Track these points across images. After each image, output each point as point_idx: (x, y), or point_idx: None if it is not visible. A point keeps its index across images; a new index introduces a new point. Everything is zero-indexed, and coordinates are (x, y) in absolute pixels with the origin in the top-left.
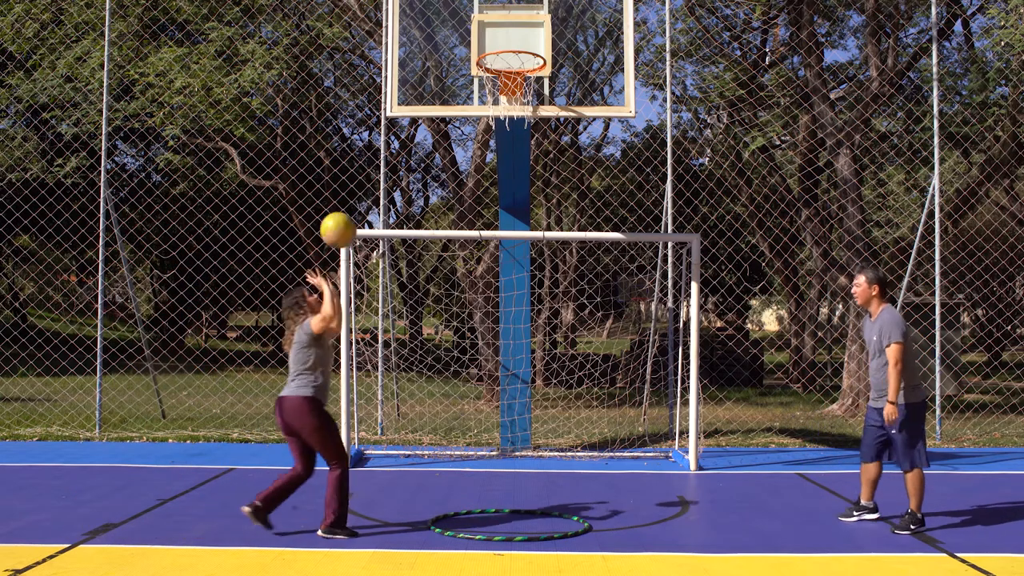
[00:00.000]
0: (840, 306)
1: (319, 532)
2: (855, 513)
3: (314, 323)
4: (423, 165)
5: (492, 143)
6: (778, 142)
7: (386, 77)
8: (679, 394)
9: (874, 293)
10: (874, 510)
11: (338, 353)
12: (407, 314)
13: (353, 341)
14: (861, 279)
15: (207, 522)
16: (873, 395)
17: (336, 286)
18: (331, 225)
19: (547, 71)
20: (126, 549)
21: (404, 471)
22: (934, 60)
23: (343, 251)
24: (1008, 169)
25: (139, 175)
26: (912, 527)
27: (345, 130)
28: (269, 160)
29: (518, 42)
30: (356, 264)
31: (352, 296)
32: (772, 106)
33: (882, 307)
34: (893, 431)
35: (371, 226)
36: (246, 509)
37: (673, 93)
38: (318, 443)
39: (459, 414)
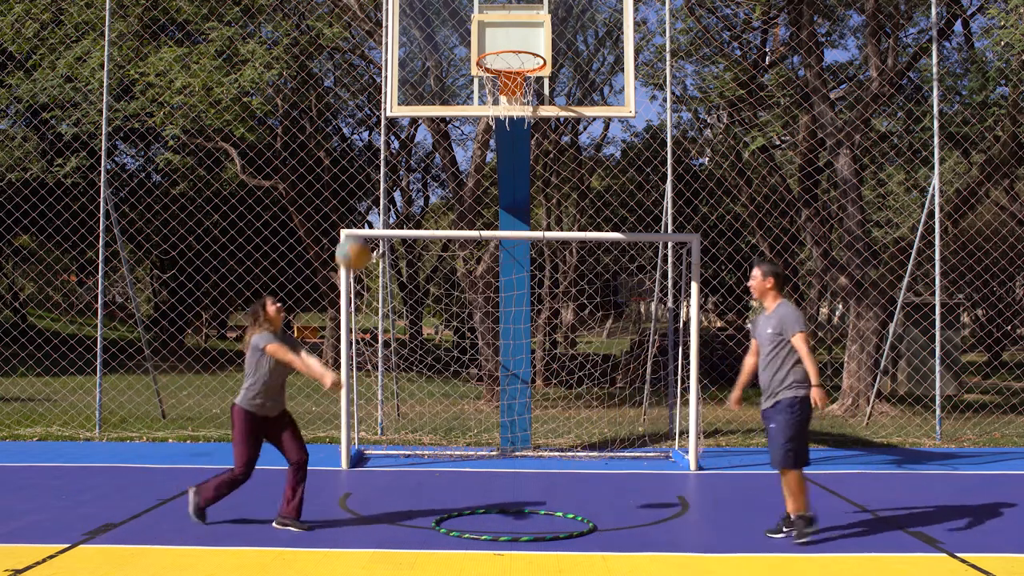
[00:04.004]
0: (840, 306)
1: (190, 489)
2: (784, 529)
3: (269, 346)
4: (423, 165)
5: (492, 143)
6: (778, 142)
7: (386, 77)
8: (679, 394)
9: (769, 286)
10: (812, 520)
11: (338, 353)
12: (407, 314)
13: (353, 341)
14: (756, 272)
15: (207, 522)
16: (764, 398)
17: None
18: (346, 255)
19: (547, 71)
20: (126, 549)
21: (404, 471)
22: (934, 60)
23: None
24: (1008, 169)
25: (139, 175)
26: (806, 531)
27: (345, 130)
28: (269, 160)
29: (518, 42)
30: None
31: (352, 296)
32: (772, 106)
33: (778, 301)
34: (772, 425)
35: (371, 226)
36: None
37: (673, 93)
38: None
39: (459, 414)
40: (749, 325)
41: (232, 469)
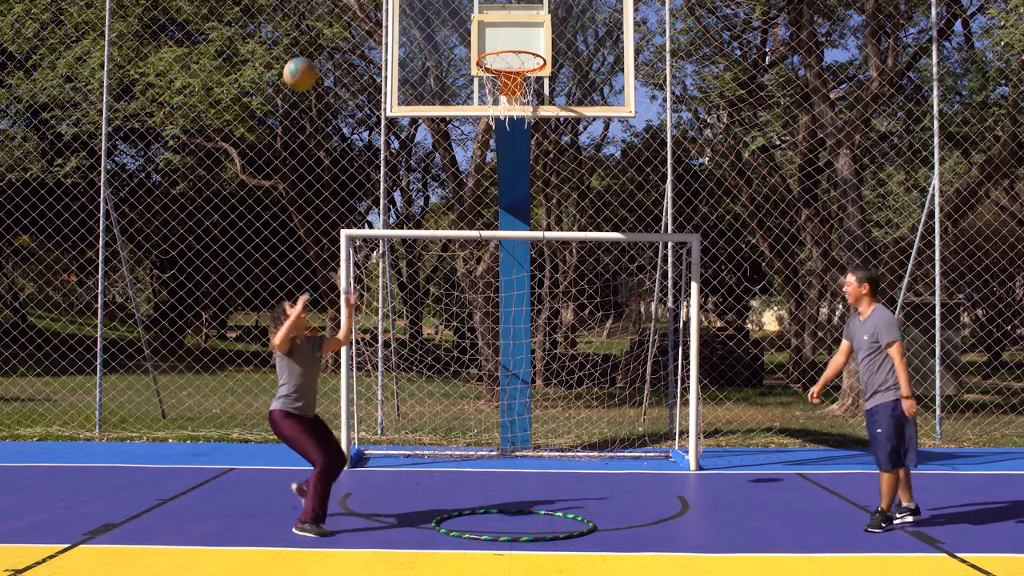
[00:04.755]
0: (840, 306)
1: (294, 528)
2: (898, 515)
3: (273, 340)
4: (423, 165)
5: (492, 143)
6: (778, 142)
7: (386, 77)
8: (679, 394)
9: (864, 292)
10: (916, 511)
11: (338, 353)
12: (407, 314)
13: (353, 341)
14: (852, 278)
15: (207, 522)
16: (865, 399)
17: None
18: (293, 74)
19: (547, 71)
20: (126, 549)
21: (404, 471)
22: (934, 60)
23: (343, 251)
24: (1008, 169)
25: (139, 175)
26: (883, 524)
27: (345, 130)
28: (269, 160)
29: (518, 42)
30: (356, 264)
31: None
32: (772, 106)
33: (873, 306)
34: (878, 430)
35: (371, 226)
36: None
37: (673, 93)
38: (296, 451)
39: (459, 414)
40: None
41: (315, 469)
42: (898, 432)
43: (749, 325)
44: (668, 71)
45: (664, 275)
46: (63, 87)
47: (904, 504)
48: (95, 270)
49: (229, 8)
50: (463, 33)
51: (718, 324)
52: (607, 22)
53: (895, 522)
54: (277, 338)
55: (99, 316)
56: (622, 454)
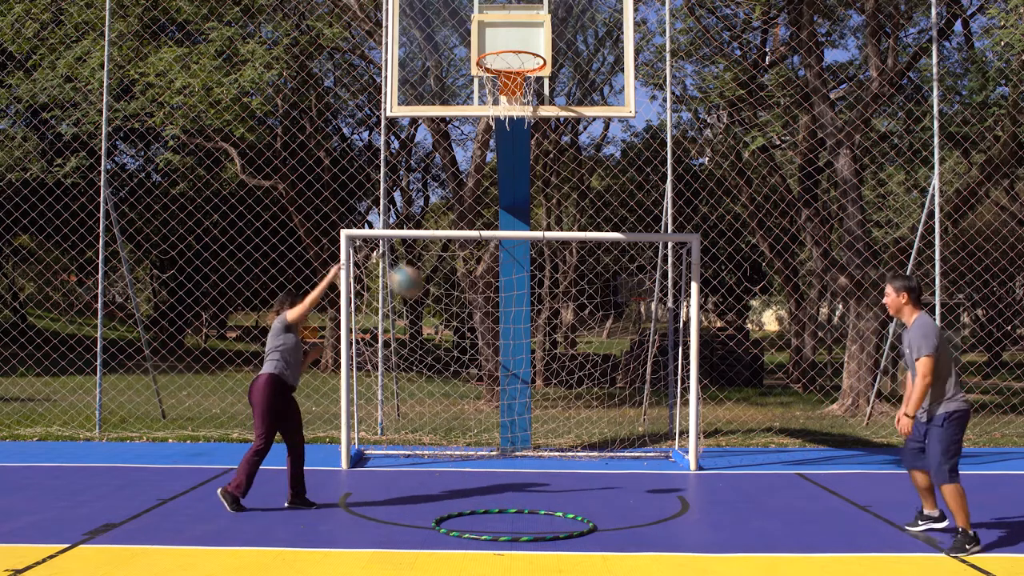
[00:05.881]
0: (840, 306)
1: (218, 490)
2: (920, 523)
3: (290, 313)
4: (423, 165)
5: (492, 143)
6: (778, 142)
7: (386, 77)
8: (679, 394)
9: (904, 302)
10: (940, 518)
11: (338, 353)
12: (407, 314)
13: (353, 341)
14: (890, 288)
15: (207, 522)
16: (918, 412)
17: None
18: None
19: (547, 71)
20: (126, 549)
21: (404, 471)
22: (934, 60)
23: (343, 251)
24: (1008, 169)
25: (139, 175)
26: (968, 547)
27: (345, 130)
28: (269, 160)
29: (518, 42)
30: (356, 264)
31: (352, 296)
32: (772, 106)
33: (915, 315)
34: (927, 441)
35: (371, 226)
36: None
37: (673, 93)
38: (254, 418)
39: (459, 414)
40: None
41: (252, 446)
42: (955, 443)
43: (749, 325)
44: (668, 71)
45: (664, 275)
46: (63, 87)
47: (926, 511)
48: (95, 270)
49: (229, 8)
50: (463, 33)
51: (718, 324)
52: (607, 22)
53: (915, 530)
54: (301, 307)
55: (99, 316)
56: (622, 454)
